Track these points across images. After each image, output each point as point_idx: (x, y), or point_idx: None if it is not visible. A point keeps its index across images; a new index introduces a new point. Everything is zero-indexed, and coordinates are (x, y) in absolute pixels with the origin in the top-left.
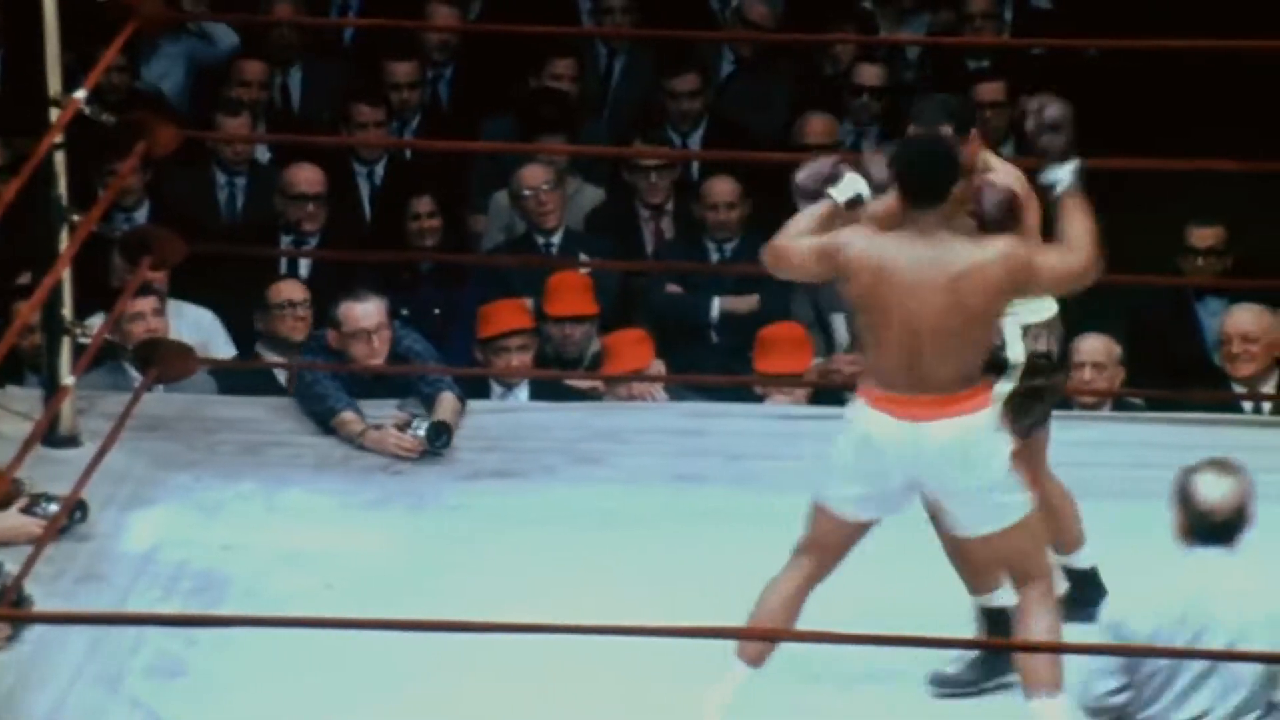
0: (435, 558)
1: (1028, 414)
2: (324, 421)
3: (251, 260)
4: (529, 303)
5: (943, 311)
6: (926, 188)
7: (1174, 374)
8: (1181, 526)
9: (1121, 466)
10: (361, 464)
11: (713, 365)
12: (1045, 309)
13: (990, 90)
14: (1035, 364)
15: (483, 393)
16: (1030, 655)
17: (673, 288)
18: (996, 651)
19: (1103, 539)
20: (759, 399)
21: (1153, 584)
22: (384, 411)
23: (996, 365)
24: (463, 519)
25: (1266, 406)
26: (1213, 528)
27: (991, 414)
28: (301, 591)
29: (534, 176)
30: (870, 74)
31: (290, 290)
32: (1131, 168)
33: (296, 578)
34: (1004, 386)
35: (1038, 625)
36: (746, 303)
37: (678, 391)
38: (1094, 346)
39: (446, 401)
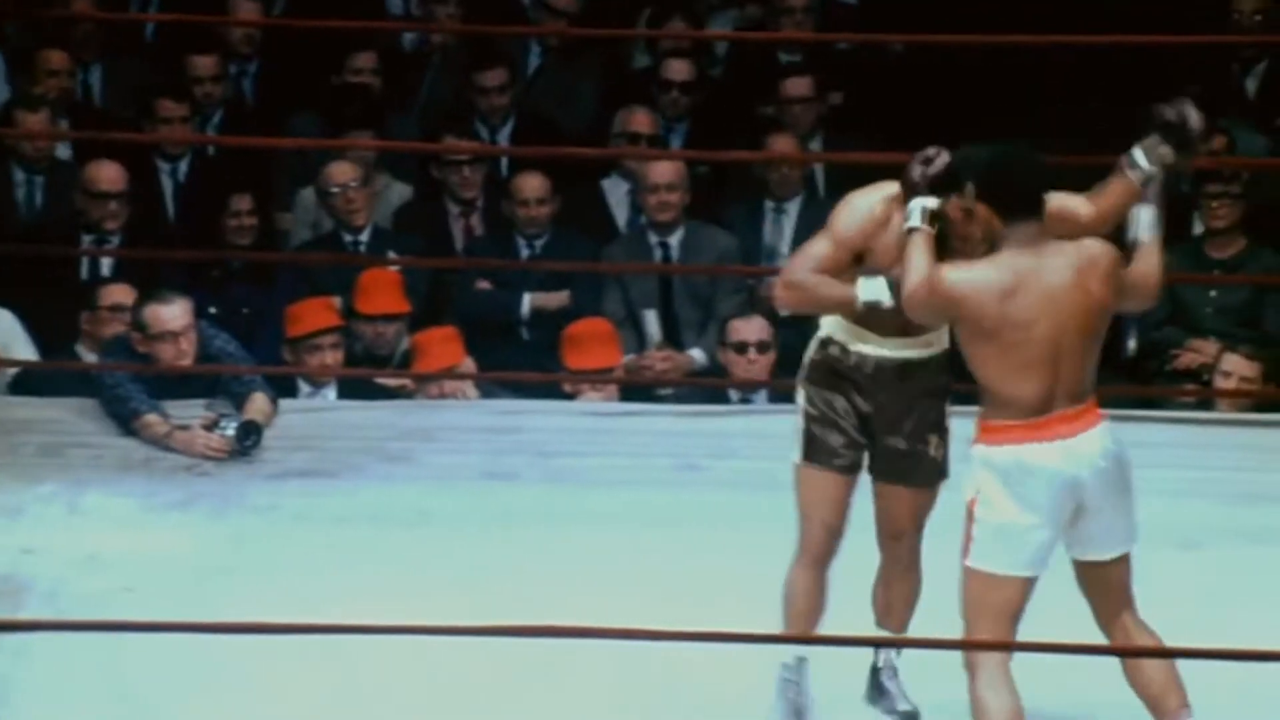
0: (241, 559)
1: None
2: (126, 423)
3: (52, 260)
4: (337, 301)
5: (1079, 312)
6: (1031, 199)
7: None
8: None
9: None
10: (165, 465)
11: (524, 362)
12: None
13: (799, 85)
14: None
15: (290, 392)
16: (1155, 679)
17: (483, 284)
18: None
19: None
20: (570, 396)
21: None
22: (193, 412)
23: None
24: (269, 519)
25: None
26: None
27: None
28: (104, 594)
29: (342, 173)
30: (680, 69)
31: (119, 294)
32: None
33: (99, 580)
34: None
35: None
36: (557, 299)
37: (489, 389)
38: None
39: (257, 401)
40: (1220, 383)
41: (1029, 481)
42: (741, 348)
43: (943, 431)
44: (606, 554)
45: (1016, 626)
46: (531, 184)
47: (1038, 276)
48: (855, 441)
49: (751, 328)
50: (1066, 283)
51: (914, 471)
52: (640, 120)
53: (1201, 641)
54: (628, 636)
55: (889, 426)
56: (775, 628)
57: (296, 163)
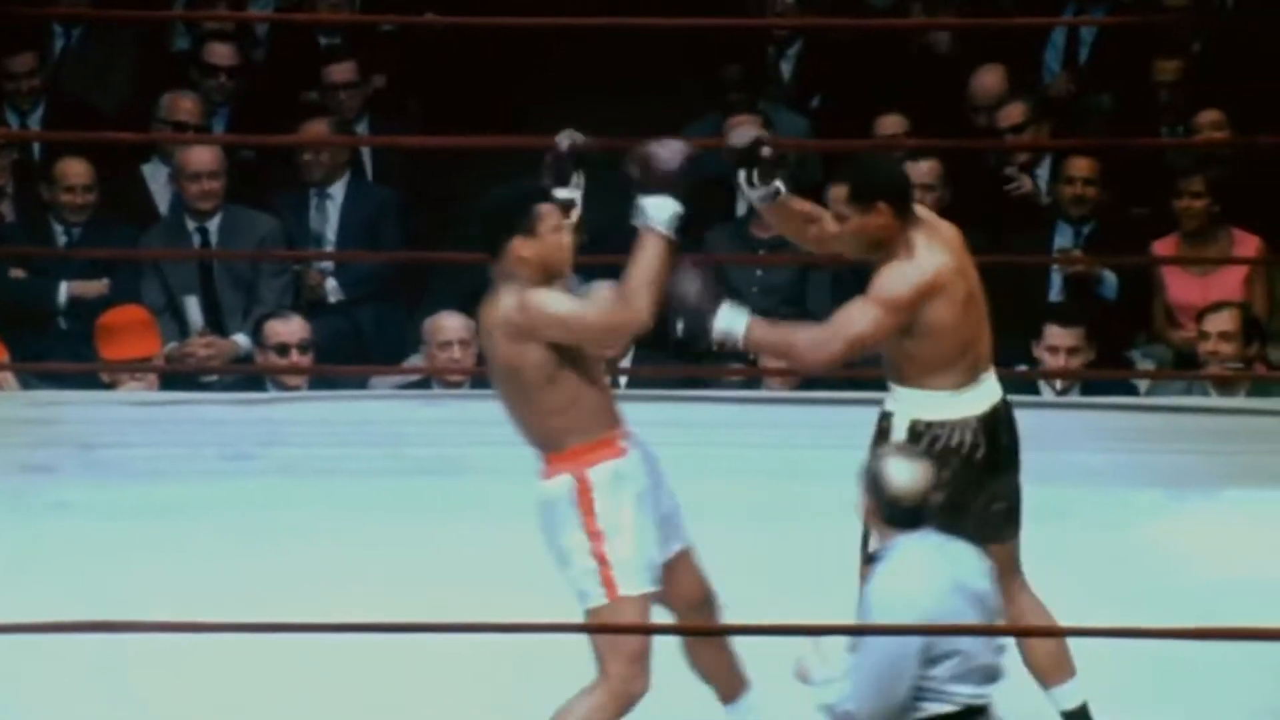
0: None
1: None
2: None
3: None
4: None
5: (491, 364)
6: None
7: None
8: (874, 511)
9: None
10: None
11: (62, 352)
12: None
13: (342, 70)
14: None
15: None
16: None
17: (17, 273)
18: None
19: None
20: (110, 386)
21: (908, 565)
22: None
23: None
24: None
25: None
26: (907, 512)
27: (567, 488)
28: None
29: None
30: (222, 53)
31: None
32: (482, 145)
33: None
34: None
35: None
36: (96, 287)
37: (26, 380)
38: (453, 325)
39: None
40: (767, 361)
41: None
42: (283, 350)
43: None
44: (154, 547)
45: None
46: (75, 169)
47: None
48: None
49: (290, 329)
50: (487, 332)
51: None
52: (185, 107)
53: (759, 616)
54: (177, 630)
55: None
56: (325, 616)
57: None
